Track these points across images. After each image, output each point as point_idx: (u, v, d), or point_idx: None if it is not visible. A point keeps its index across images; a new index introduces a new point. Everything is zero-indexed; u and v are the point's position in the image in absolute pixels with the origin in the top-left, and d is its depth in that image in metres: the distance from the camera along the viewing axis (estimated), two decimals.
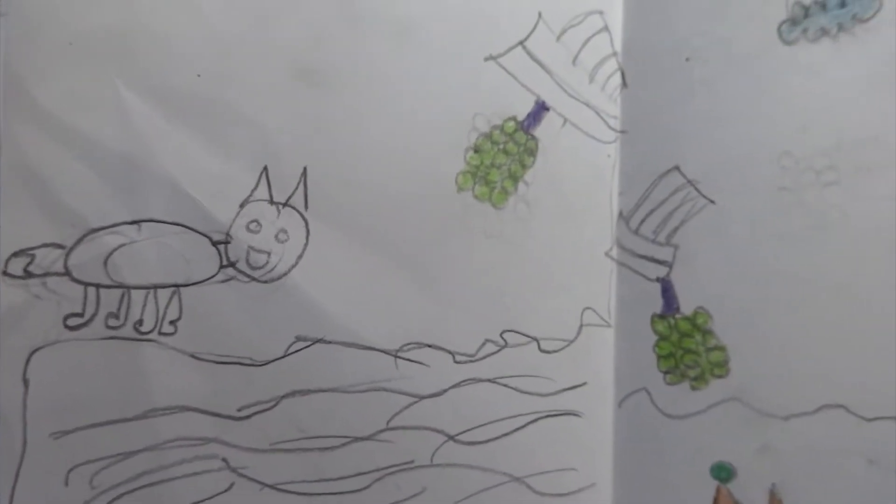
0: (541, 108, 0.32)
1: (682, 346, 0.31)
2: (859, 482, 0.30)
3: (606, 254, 0.32)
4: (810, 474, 0.31)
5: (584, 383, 0.32)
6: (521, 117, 0.31)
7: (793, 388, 0.31)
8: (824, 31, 0.30)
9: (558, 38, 0.32)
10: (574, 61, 0.32)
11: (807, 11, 0.31)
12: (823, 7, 0.31)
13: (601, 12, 0.33)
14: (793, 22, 0.31)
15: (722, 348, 0.31)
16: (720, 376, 0.31)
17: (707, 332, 0.31)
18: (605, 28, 0.33)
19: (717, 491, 0.31)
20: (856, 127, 0.30)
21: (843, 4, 0.30)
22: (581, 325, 0.32)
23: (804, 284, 0.30)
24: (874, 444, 0.30)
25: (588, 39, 0.32)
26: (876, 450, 0.30)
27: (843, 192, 0.30)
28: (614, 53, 0.33)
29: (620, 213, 0.32)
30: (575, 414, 0.32)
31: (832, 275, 0.30)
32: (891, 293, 0.30)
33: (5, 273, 0.28)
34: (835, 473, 0.30)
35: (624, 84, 0.32)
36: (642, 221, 0.32)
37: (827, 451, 0.30)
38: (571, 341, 0.32)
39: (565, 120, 0.32)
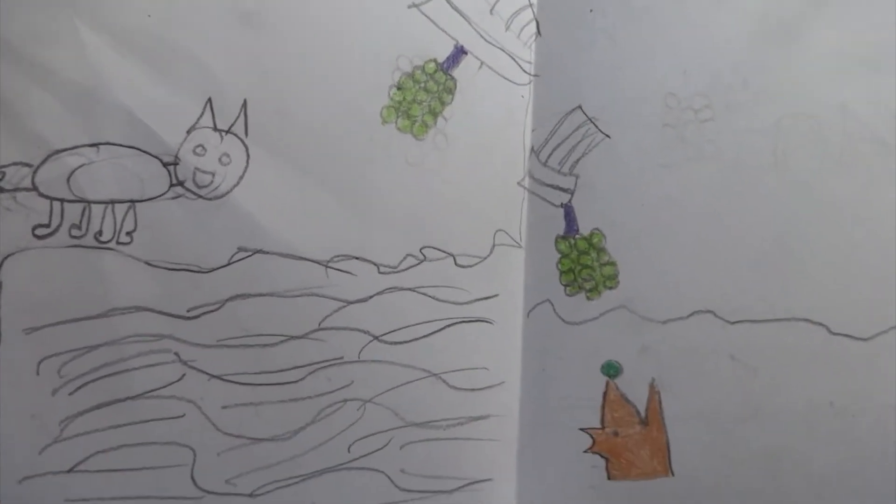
0: (459, 52, 0.36)
1: (580, 262, 0.36)
2: (723, 375, 0.35)
3: (518, 183, 0.36)
4: (683, 369, 0.35)
5: (496, 295, 0.36)
6: (441, 59, 0.35)
7: (670, 297, 0.35)
8: None
9: None
10: (491, 11, 0.36)
11: None
12: None
13: None
14: None
15: (613, 264, 0.35)
16: (611, 288, 0.35)
17: (601, 250, 0.36)
18: None
19: (607, 385, 0.36)
20: (728, 71, 0.34)
21: None
22: (494, 245, 0.36)
23: (682, 208, 0.35)
24: (736, 343, 0.35)
25: None
26: (737, 348, 0.35)
27: (717, 128, 0.34)
28: (530, 4, 0.36)
29: (532, 148, 0.36)
30: (487, 321, 0.36)
31: (706, 199, 0.35)
32: (753, 214, 0.34)
33: None
34: (703, 368, 0.35)
35: (538, 33, 0.36)
36: (550, 154, 0.36)
37: (697, 350, 0.35)
38: (485, 258, 0.36)
39: (482, 63, 0.36)
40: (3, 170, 0.31)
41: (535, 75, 0.36)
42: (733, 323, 0.34)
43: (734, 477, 0.35)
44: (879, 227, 0.33)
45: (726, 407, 0.34)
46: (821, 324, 0.34)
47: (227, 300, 0.34)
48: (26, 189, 0.32)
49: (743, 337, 0.34)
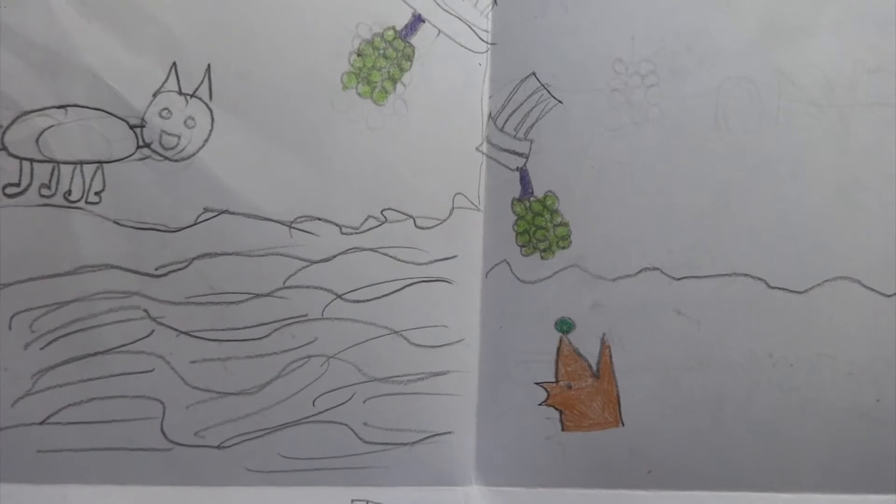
0: (417, 20, 0.37)
1: (535, 223, 0.37)
2: (669, 329, 0.37)
3: (477, 148, 0.38)
4: (632, 324, 0.37)
5: (455, 256, 0.38)
6: (399, 27, 0.36)
7: (619, 256, 0.37)
8: None
9: None
10: None
11: None
12: None
13: None
14: None
15: (566, 224, 0.37)
16: (564, 248, 0.37)
17: (554, 212, 0.37)
18: None
19: (560, 341, 0.38)
20: (673, 38, 0.36)
21: None
22: (453, 208, 0.38)
23: (630, 170, 0.36)
24: (681, 298, 0.37)
25: None
26: (682, 303, 0.37)
27: (662, 92, 0.36)
28: None
29: (490, 114, 0.38)
30: (447, 281, 0.38)
31: (652, 161, 0.36)
32: (696, 175, 0.36)
33: None
34: (650, 322, 0.37)
35: (494, 2, 0.37)
36: (506, 120, 0.38)
37: (645, 305, 0.37)
38: (444, 220, 0.37)
39: (439, 31, 0.37)
40: None
41: (492, 43, 0.37)
42: (678, 279, 0.36)
43: (680, 424, 0.37)
44: (814, 185, 0.35)
45: (672, 358, 0.36)
46: (759, 278, 0.36)
47: (193, 259, 0.35)
48: None
49: (687, 292, 0.36)
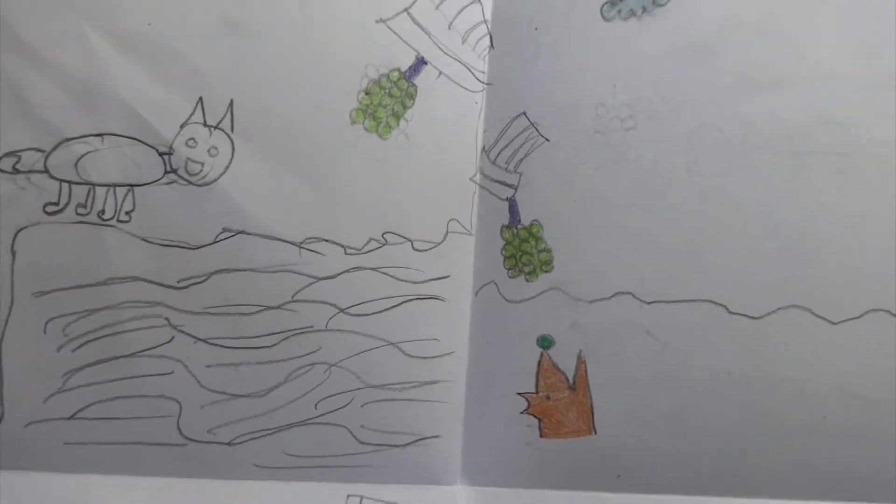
0: (420, 62, 0.40)
1: (521, 249, 0.41)
2: (639, 348, 0.40)
3: (471, 178, 0.41)
4: (606, 342, 0.41)
5: (448, 276, 0.41)
6: (404, 68, 0.40)
7: (596, 280, 0.40)
8: (632, 13, 0.39)
9: (437, 7, 0.40)
10: (449, 26, 0.41)
11: None
12: None
13: None
14: (611, 4, 0.39)
15: (549, 251, 0.40)
16: (547, 271, 0.40)
17: (539, 239, 0.41)
18: (478, 0, 0.41)
19: (541, 356, 0.41)
20: (650, 87, 0.39)
21: None
22: (447, 232, 0.41)
23: (609, 204, 0.40)
24: (651, 320, 0.40)
25: (462, 9, 0.41)
26: (652, 324, 0.40)
27: (639, 136, 0.40)
28: (485, 21, 0.41)
29: (483, 148, 0.41)
30: (440, 298, 0.41)
31: (628, 197, 0.40)
32: (667, 210, 0.40)
33: None
34: (623, 342, 0.40)
35: (491, 46, 0.41)
36: (498, 154, 0.41)
37: (618, 326, 0.40)
38: (439, 243, 0.41)
39: (440, 72, 0.40)
40: (19, 154, 0.36)
41: (488, 84, 0.41)
42: (649, 303, 0.40)
43: (647, 435, 0.40)
44: (771, 224, 0.38)
45: (641, 375, 0.40)
46: (721, 304, 0.39)
47: (212, 273, 0.39)
48: (39, 171, 0.37)
49: (657, 315, 0.39)
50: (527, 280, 0.41)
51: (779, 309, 0.39)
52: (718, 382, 0.39)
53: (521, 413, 0.41)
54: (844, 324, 0.38)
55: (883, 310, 0.38)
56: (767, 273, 0.38)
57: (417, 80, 0.40)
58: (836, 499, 0.40)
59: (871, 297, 0.38)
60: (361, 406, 0.40)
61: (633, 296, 0.40)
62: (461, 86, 0.40)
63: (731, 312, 0.39)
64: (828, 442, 0.39)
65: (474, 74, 0.40)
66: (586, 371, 0.41)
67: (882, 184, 0.37)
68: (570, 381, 0.41)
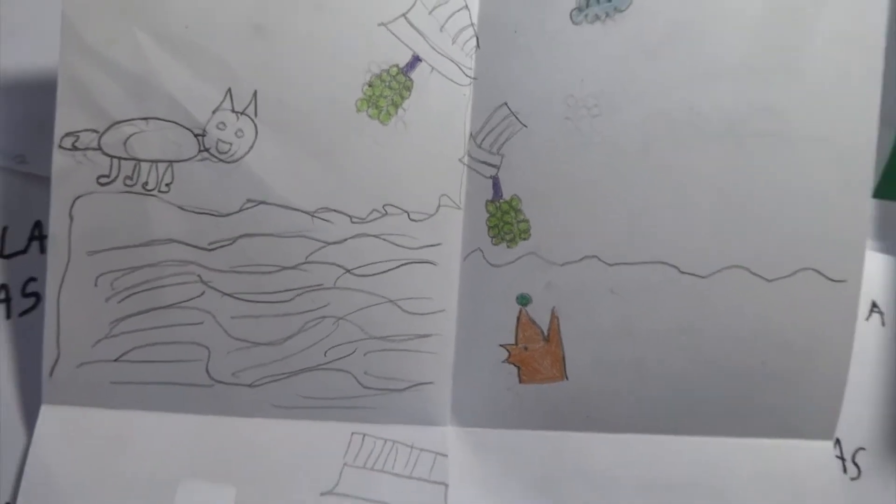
0: (416, 60, 0.47)
1: (503, 220, 0.47)
2: (604, 303, 0.45)
3: (460, 160, 0.47)
4: (575, 299, 0.46)
5: (440, 244, 0.47)
6: (402, 65, 0.46)
7: (567, 246, 0.45)
8: (597, 17, 0.45)
9: (430, 13, 0.46)
10: (441, 29, 0.47)
11: (588, 2, 0.46)
12: (598, 0, 0.46)
13: None
14: (579, 10, 0.45)
15: (527, 221, 0.46)
16: (525, 239, 0.46)
17: (518, 211, 0.46)
18: (466, 7, 0.47)
19: (520, 312, 0.46)
20: (612, 80, 0.45)
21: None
22: (439, 206, 0.47)
23: (577, 180, 0.45)
24: (614, 280, 0.45)
25: (452, 14, 0.47)
26: (615, 283, 0.45)
27: (603, 122, 0.45)
28: (472, 24, 0.47)
29: (471, 134, 0.47)
30: (432, 263, 0.47)
31: (595, 175, 0.45)
32: (627, 186, 0.45)
33: (60, 147, 0.42)
34: (590, 298, 0.45)
35: (478, 46, 0.47)
36: (484, 138, 0.47)
37: (586, 285, 0.45)
38: (432, 215, 0.46)
39: (433, 68, 0.47)
40: (77, 134, 0.42)
41: (474, 78, 0.46)
42: (612, 265, 0.45)
43: (611, 380, 0.46)
44: (714, 195, 0.44)
45: (606, 328, 0.45)
46: (673, 265, 0.44)
47: (237, 237, 0.44)
48: (94, 149, 0.43)
49: (619, 275, 0.45)
50: (508, 247, 0.47)
51: (722, 269, 0.44)
52: (673, 334, 0.45)
53: (503, 362, 0.46)
54: (777, 281, 0.44)
55: (811, 269, 0.44)
56: (712, 238, 0.44)
57: (413, 75, 0.46)
58: (774, 436, 0.45)
59: (800, 258, 0.44)
60: (364, 355, 0.46)
61: (599, 259, 0.45)
62: (451, 80, 0.46)
63: (682, 272, 0.44)
64: (767, 385, 0.45)
65: (463, 70, 0.47)
66: (559, 325, 0.46)
67: (808, 160, 0.43)
68: (545, 333, 0.47)
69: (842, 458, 0.46)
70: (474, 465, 0.47)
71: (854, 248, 0.43)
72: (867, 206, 0.43)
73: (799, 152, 0.43)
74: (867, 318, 0.47)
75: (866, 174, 0.43)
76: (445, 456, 0.46)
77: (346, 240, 0.45)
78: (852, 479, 0.46)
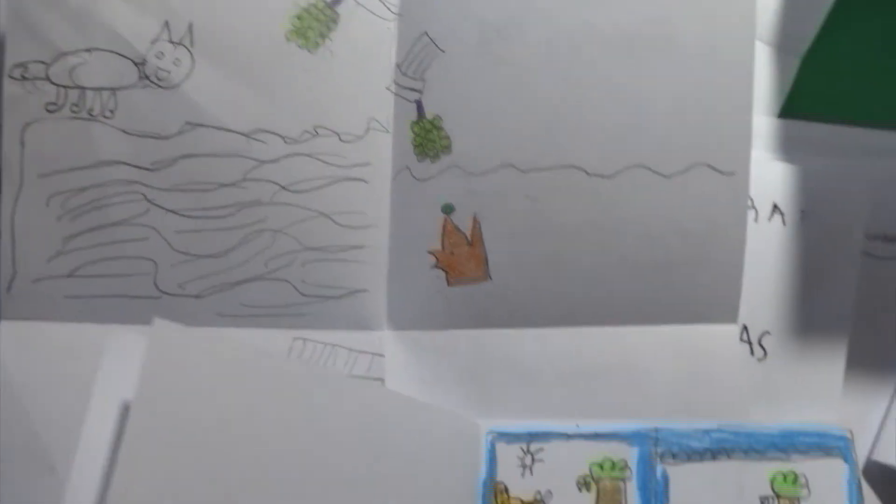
0: None
1: (427, 138, 0.50)
2: (521, 207, 0.48)
3: (387, 87, 0.51)
4: (494, 205, 0.49)
5: (370, 163, 0.51)
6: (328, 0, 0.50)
7: (485, 157, 0.49)
8: None
9: None
10: None
11: None
12: None
13: None
14: None
15: (448, 137, 0.49)
16: (447, 154, 0.50)
17: (440, 129, 0.50)
18: None
19: (444, 220, 0.50)
20: (519, 4, 0.50)
21: None
22: (368, 129, 0.51)
23: (491, 96, 0.48)
24: (529, 185, 0.49)
25: None
26: (530, 189, 0.48)
27: (513, 43, 0.49)
28: None
29: (397, 63, 0.51)
30: (363, 181, 0.51)
31: (505, 92, 0.48)
32: (534, 100, 0.48)
33: (10, 77, 0.46)
34: (508, 204, 0.49)
35: None
36: (408, 67, 0.51)
37: (503, 192, 0.48)
38: (361, 137, 0.50)
39: (357, 3, 0.51)
40: (26, 64, 0.46)
41: (399, 14, 0.51)
42: (526, 171, 0.48)
43: (530, 277, 0.48)
44: (613, 99, 0.46)
45: (523, 229, 0.48)
46: (581, 168, 0.48)
47: (178, 158, 0.48)
48: (42, 79, 0.46)
49: (533, 181, 0.48)
50: (431, 162, 0.50)
51: (625, 168, 0.47)
52: (583, 230, 0.48)
53: (432, 268, 0.50)
54: (675, 177, 0.47)
55: (704, 164, 0.47)
56: (615, 141, 0.47)
57: (339, 9, 0.50)
58: (683, 322, 0.48)
59: (694, 155, 0.47)
60: (302, 265, 0.49)
61: (514, 166, 0.48)
62: (376, 14, 0.51)
63: (589, 174, 0.48)
64: (672, 274, 0.48)
65: (387, 6, 0.51)
66: (480, 229, 0.50)
67: (696, 63, 0.47)
68: (468, 238, 0.50)
69: (749, 342, 0.50)
70: (409, 363, 0.50)
71: (740, 141, 0.47)
72: (749, 103, 0.47)
73: (686, 57, 0.47)
74: (769, 219, 0.51)
75: (746, 73, 0.46)
76: (382, 356, 0.50)
77: (280, 159, 0.49)
78: (759, 359, 0.49)
